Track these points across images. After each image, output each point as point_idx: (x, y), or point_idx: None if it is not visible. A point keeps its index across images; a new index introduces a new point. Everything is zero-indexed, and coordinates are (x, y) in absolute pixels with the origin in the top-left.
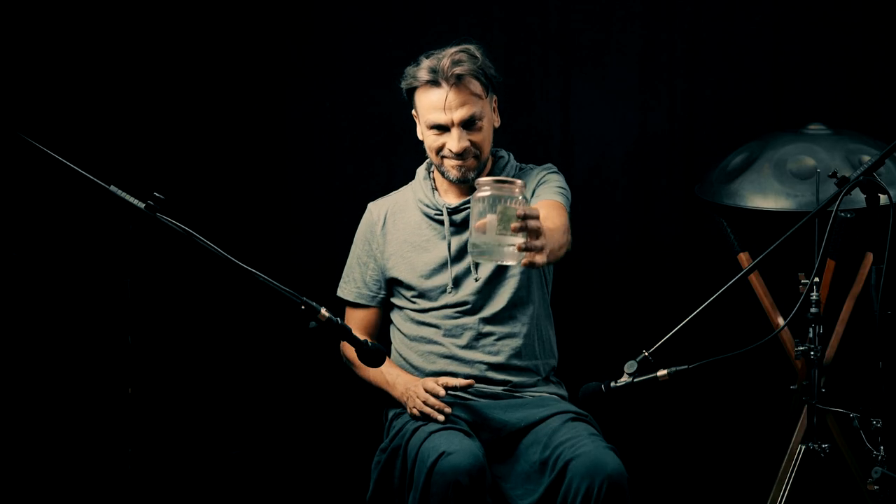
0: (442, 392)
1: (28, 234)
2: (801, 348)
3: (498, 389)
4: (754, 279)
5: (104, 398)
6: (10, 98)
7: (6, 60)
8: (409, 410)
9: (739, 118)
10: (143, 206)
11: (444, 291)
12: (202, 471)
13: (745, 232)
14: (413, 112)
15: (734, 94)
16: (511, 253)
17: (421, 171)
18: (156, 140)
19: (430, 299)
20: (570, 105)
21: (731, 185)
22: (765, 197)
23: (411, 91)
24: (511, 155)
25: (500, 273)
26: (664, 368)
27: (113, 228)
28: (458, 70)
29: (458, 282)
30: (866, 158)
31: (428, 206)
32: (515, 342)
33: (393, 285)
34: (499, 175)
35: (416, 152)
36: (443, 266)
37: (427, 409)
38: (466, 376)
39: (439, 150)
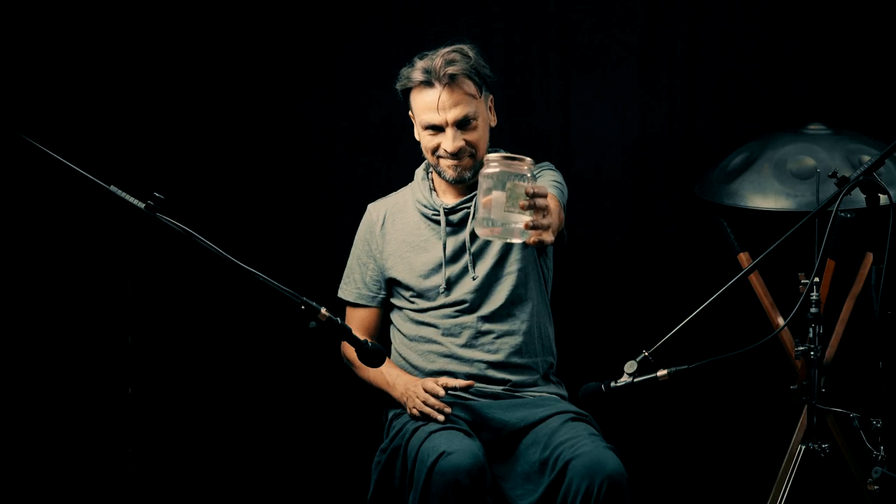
0: (441, 392)
1: (28, 234)
2: (801, 348)
3: (498, 389)
4: (754, 279)
5: (104, 398)
6: (10, 98)
7: (6, 60)
8: (408, 411)
9: (739, 118)
10: (143, 206)
11: (440, 292)
12: (202, 471)
13: (745, 232)
14: (410, 113)
15: (734, 94)
16: (518, 230)
17: (419, 171)
18: (156, 140)
19: (428, 299)
20: (570, 105)
21: (731, 185)
22: (765, 197)
23: (406, 92)
24: None
25: (498, 271)
26: (664, 368)
27: (113, 228)
28: (450, 70)
29: (452, 283)
30: (866, 158)
31: (426, 206)
32: (515, 340)
33: (392, 285)
34: None
35: (416, 152)
36: (441, 266)
37: (427, 410)
38: (466, 375)
39: (435, 150)
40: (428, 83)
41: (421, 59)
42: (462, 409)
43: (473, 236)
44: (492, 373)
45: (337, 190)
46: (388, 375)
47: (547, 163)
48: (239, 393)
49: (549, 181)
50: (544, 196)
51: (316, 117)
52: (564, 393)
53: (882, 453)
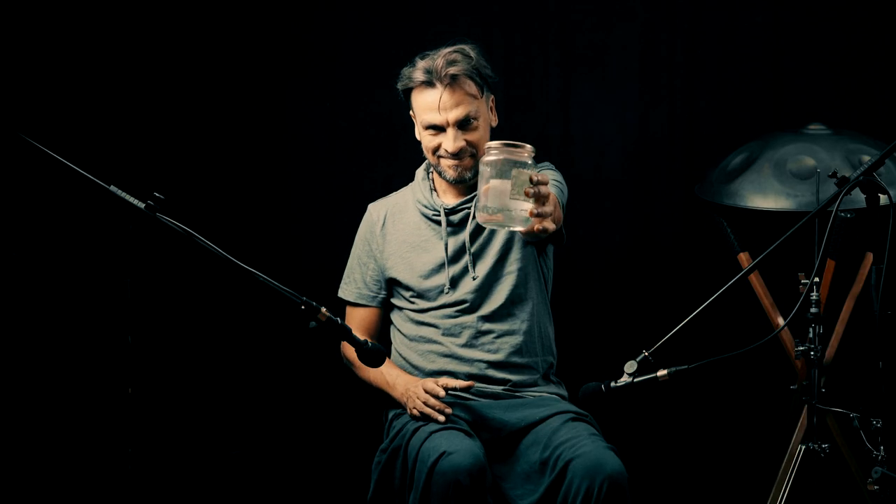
0: (441, 393)
1: (28, 234)
2: (801, 348)
3: (498, 389)
4: (754, 279)
5: (104, 398)
6: (10, 98)
7: (6, 60)
8: (409, 411)
9: (739, 118)
10: (143, 206)
11: (441, 292)
12: (202, 471)
13: (745, 232)
14: (410, 112)
15: (734, 94)
16: (521, 218)
17: (420, 171)
18: (156, 140)
19: (428, 299)
20: (570, 105)
21: (731, 185)
22: (765, 197)
23: (407, 92)
24: None
25: (498, 271)
26: (664, 368)
27: (113, 228)
28: (452, 70)
29: (455, 282)
30: (866, 158)
31: (426, 206)
32: (515, 339)
33: (392, 286)
34: None
35: (416, 152)
36: (441, 266)
37: (427, 410)
38: (466, 375)
39: (435, 150)
40: (429, 83)
41: (422, 58)
42: (462, 409)
43: (473, 236)
44: (492, 372)
45: (337, 190)
46: (389, 376)
47: (547, 163)
48: (239, 393)
49: (549, 180)
50: (546, 184)
51: (316, 117)
52: (564, 393)
53: (882, 453)
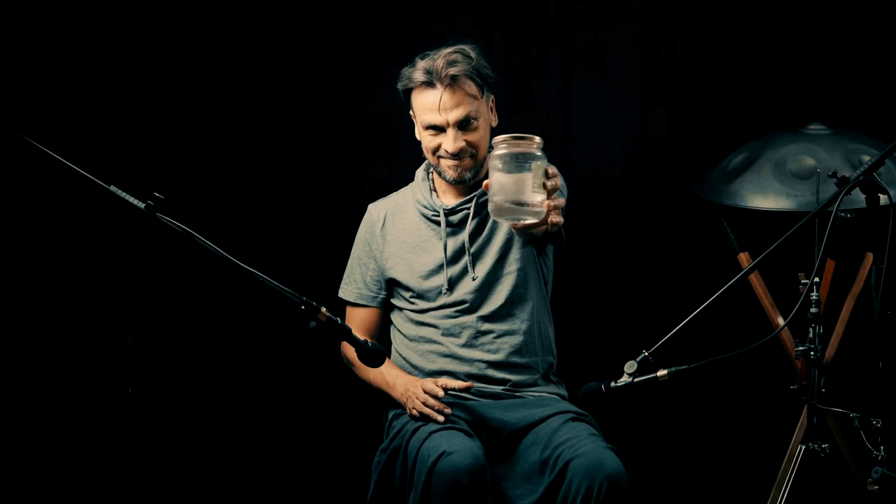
0: (441, 393)
1: (28, 234)
2: (801, 348)
3: (498, 389)
4: (754, 279)
5: (104, 398)
6: (10, 98)
7: (6, 60)
8: (408, 411)
9: (739, 118)
10: (143, 206)
11: (441, 292)
12: (202, 471)
13: (745, 232)
14: (410, 112)
15: (734, 94)
16: (538, 211)
17: (420, 172)
18: (156, 140)
19: (428, 300)
20: (570, 105)
21: (731, 185)
22: (765, 197)
23: (407, 92)
24: None
25: (497, 271)
26: (664, 368)
27: (113, 228)
28: (452, 71)
29: (454, 282)
30: (866, 158)
31: (426, 207)
32: (515, 339)
33: (392, 286)
34: None
35: (416, 152)
36: (440, 267)
37: (426, 410)
38: (466, 375)
39: (436, 150)
40: (429, 83)
41: (422, 59)
42: (462, 409)
43: (473, 237)
44: (492, 372)
45: (337, 190)
46: (388, 376)
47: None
48: (239, 393)
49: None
50: (558, 177)
51: (316, 117)
52: (564, 393)
53: (882, 453)
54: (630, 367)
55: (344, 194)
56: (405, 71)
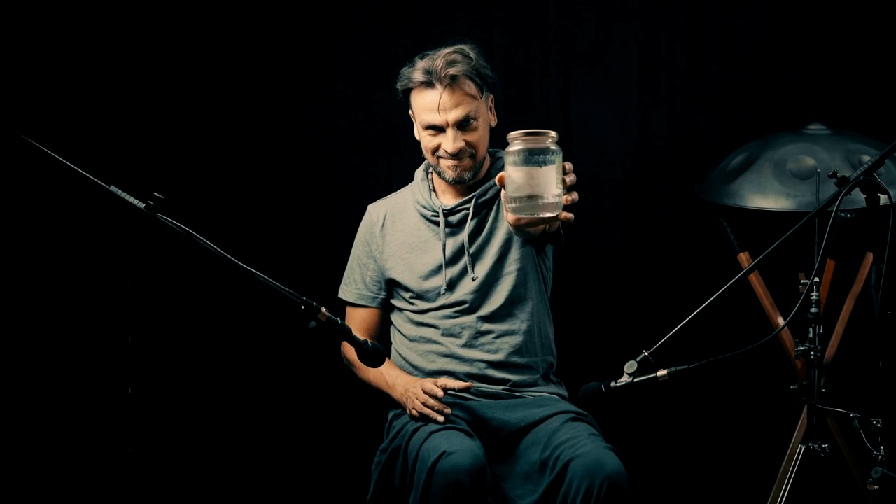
0: (440, 393)
1: (28, 234)
2: (801, 348)
3: (498, 389)
4: (754, 279)
5: (104, 398)
6: (10, 98)
7: (6, 60)
8: (408, 411)
9: (739, 118)
10: (143, 206)
11: (441, 293)
12: (202, 471)
13: (745, 232)
14: (410, 112)
15: (734, 94)
16: (555, 204)
17: (419, 172)
18: (156, 140)
19: (427, 300)
20: (570, 105)
21: (731, 185)
22: (765, 197)
23: (407, 92)
24: None
25: (497, 271)
26: (664, 368)
27: (113, 228)
28: (451, 71)
29: (454, 283)
30: (866, 158)
31: (425, 207)
32: (515, 339)
33: (392, 286)
34: (495, 175)
35: (416, 153)
36: (440, 268)
37: (426, 410)
38: (466, 374)
39: (435, 150)
40: (429, 84)
41: (422, 59)
42: (462, 409)
43: (472, 237)
44: (492, 372)
45: (337, 190)
46: (388, 376)
47: None
48: (239, 393)
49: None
50: (572, 172)
51: (316, 117)
52: (564, 393)
53: (882, 453)
54: (630, 367)
55: (344, 194)
56: (404, 71)
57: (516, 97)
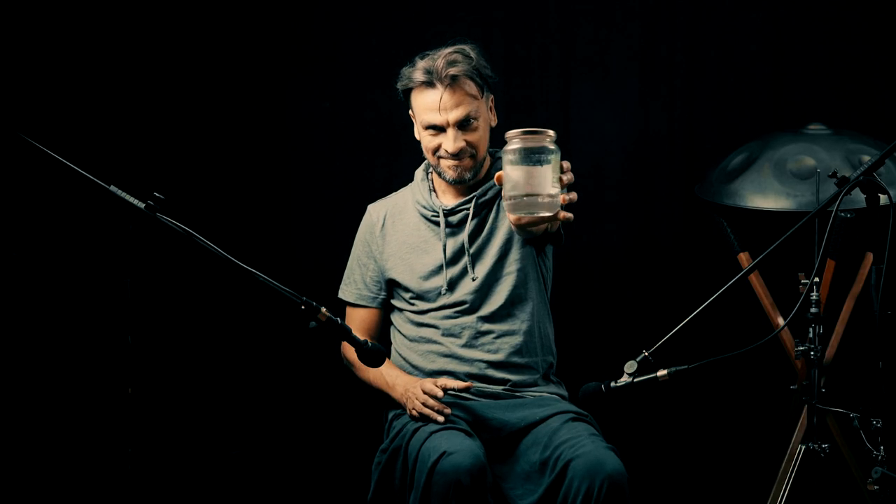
0: (440, 393)
1: (28, 234)
2: (801, 348)
3: (498, 389)
4: (754, 279)
5: (104, 398)
6: (10, 98)
7: (6, 60)
8: (408, 412)
9: (739, 118)
10: (143, 206)
11: (441, 293)
12: (202, 471)
13: (745, 232)
14: (410, 112)
15: (734, 94)
16: (555, 204)
17: (419, 172)
18: (156, 140)
19: (427, 300)
20: (570, 105)
21: (731, 185)
22: (765, 197)
23: (407, 92)
24: None
25: (497, 271)
26: (664, 368)
27: (113, 228)
28: (452, 71)
29: (454, 283)
30: (866, 158)
31: (425, 207)
32: (515, 339)
33: (392, 287)
34: (494, 175)
35: (416, 153)
36: (440, 268)
37: (426, 411)
38: (466, 374)
39: (435, 150)
40: (429, 83)
41: (422, 59)
42: (462, 409)
43: (472, 237)
44: (492, 372)
45: (337, 190)
46: (388, 376)
47: None
48: (239, 393)
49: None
50: (570, 171)
51: (316, 117)
52: (564, 393)
53: (882, 453)
54: (630, 367)
55: (344, 194)
56: (405, 70)
57: (516, 97)
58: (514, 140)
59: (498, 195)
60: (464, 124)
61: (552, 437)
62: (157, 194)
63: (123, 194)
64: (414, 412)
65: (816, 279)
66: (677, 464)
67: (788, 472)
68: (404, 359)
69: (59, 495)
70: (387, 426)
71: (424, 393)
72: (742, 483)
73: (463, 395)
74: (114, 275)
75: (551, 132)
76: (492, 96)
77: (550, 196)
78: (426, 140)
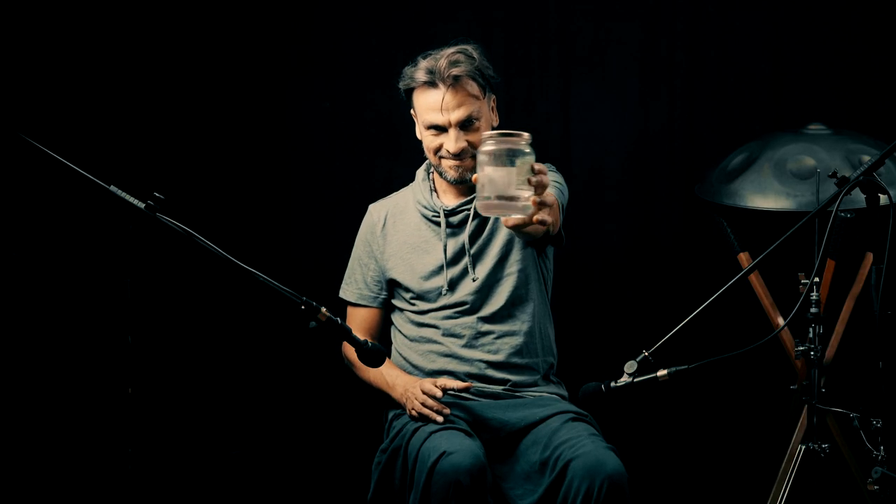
0: (439, 393)
1: (28, 234)
2: (801, 348)
3: (498, 389)
4: (754, 279)
5: (104, 398)
6: (10, 98)
7: (6, 60)
8: (407, 412)
9: (739, 118)
10: (143, 206)
11: (441, 293)
12: (202, 471)
13: (745, 232)
14: (412, 111)
15: (734, 94)
16: (523, 206)
17: (420, 172)
18: (156, 140)
19: (428, 301)
20: (570, 105)
21: (731, 185)
22: (765, 197)
23: (409, 91)
24: None
25: (498, 272)
26: (664, 368)
27: (113, 228)
28: (454, 71)
29: (455, 283)
30: (866, 158)
31: (426, 207)
32: (515, 340)
33: (393, 287)
34: None
35: (417, 152)
36: (441, 268)
37: (425, 411)
38: (466, 374)
39: (437, 150)
40: (432, 83)
41: (424, 58)
42: (462, 409)
43: (473, 238)
44: (492, 372)
45: (337, 190)
46: (388, 376)
47: (548, 164)
48: (239, 393)
49: (547, 171)
50: (545, 174)
51: (316, 117)
52: (564, 393)
53: (882, 453)
54: (630, 367)
55: (344, 194)
56: (407, 70)
57: (516, 97)
58: (488, 141)
59: None
60: (465, 124)
61: (552, 437)
62: (157, 194)
63: (123, 194)
64: (413, 412)
65: (816, 279)
66: (677, 464)
67: (788, 472)
68: (405, 359)
69: (60, 495)
70: (387, 426)
71: (423, 393)
72: (742, 483)
73: (463, 395)
74: (114, 275)
75: (526, 135)
76: (494, 96)
77: (522, 198)
78: (428, 140)
